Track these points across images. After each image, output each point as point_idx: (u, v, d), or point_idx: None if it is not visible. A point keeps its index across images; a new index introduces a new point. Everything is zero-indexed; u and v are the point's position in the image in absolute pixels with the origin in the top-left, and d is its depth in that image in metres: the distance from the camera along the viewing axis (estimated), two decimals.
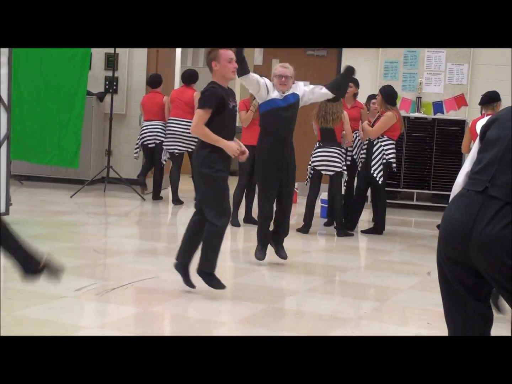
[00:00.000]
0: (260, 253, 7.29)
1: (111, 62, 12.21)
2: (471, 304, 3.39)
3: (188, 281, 6.13)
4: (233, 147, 5.99)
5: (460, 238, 3.27)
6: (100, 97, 12.32)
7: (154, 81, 11.36)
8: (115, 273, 6.85)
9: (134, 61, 12.49)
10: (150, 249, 7.88)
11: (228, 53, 5.98)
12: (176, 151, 10.96)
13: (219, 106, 5.93)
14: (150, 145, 11.18)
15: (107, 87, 12.44)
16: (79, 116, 10.92)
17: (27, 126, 10.87)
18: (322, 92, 7.27)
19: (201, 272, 6.08)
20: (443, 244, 3.38)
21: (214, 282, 6.07)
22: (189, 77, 10.98)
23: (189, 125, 11.13)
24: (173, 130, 10.94)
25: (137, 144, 11.38)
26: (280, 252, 7.34)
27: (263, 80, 7.14)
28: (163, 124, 11.20)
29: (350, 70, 7.44)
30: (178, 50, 13.11)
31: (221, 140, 5.93)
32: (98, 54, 12.37)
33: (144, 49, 11.79)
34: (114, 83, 12.14)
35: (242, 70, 6.85)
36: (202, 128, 5.93)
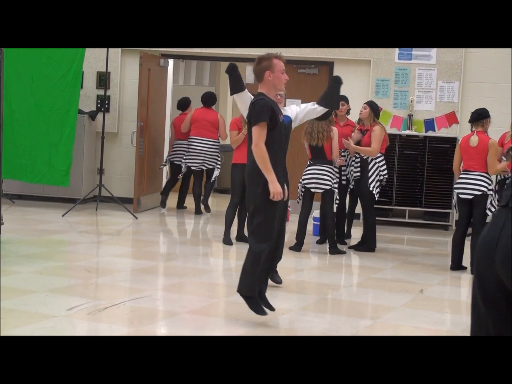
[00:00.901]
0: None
1: (102, 81, 12.23)
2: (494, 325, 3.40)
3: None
4: (277, 191, 5.71)
5: (488, 253, 3.30)
6: (92, 115, 12.33)
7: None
8: (107, 292, 6.83)
9: (126, 79, 12.51)
10: (142, 268, 7.87)
11: (281, 64, 5.86)
12: (201, 167, 11.75)
13: (271, 119, 5.73)
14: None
15: (99, 105, 12.45)
16: (70, 135, 10.91)
17: (18, 145, 10.85)
18: (314, 109, 7.01)
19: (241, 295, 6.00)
20: (477, 261, 3.42)
21: (254, 307, 5.93)
22: (208, 99, 11.88)
23: (212, 144, 11.66)
24: (198, 148, 11.67)
25: (166, 161, 12.32)
26: (275, 277, 7.18)
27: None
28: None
29: (337, 80, 7.18)
30: (170, 69, 13.13)
31: (272, 174, 5.68)
32: (90, 73, 12.39)
33: (136, 68, 11.79)
34: (106, 102, 12.16)
35: (237, 86, 6.75)
36: (263, 149, 5.68)
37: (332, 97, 7.09)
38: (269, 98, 5.82)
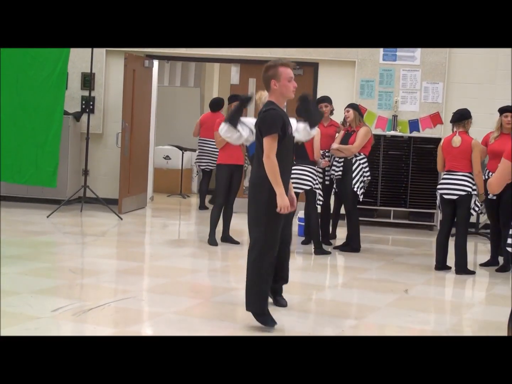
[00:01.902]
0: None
1: (87, 82, 12.20)
2: None
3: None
4: (285, 204, 5.62)
5: None
6: (77, 116, 12.29)
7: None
8: (92, 293, 6.82)
9: (111, 80, 12.47)
10: (127, 269, 7.85)
11: (288, 71, 5.68)
12: (209, 167, 12.68)
13: (282, 130, 5.63)
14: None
15: (83, 106, 12.41)
16: (56, 135, 10.85)
17: (3, 146, 10.80)
18: (308, 132, 6.89)
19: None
20: None
21: (263, 321, 5.84)
22: (214, 105, 12.70)
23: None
24: (205, 149, 12.67)
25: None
26: (281, 301, 6.57)
27: (247, 128, 6.76)
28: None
29: (304, 99, 6.90)
30: (155, 70, 13.11)
31: (281, 187, 5.59)
32: (75, 74, 12.35)
33: (121, 69, 11.76)
34: (91, 103, 12.14)
35: (235, 120, 6.70)
36: (275, 161, 5.59)
37: (311, 115, 6.90)
38: (279, 107, 5.73)
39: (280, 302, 6.51)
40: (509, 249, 4.74)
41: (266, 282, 5.78)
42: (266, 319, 5.82)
